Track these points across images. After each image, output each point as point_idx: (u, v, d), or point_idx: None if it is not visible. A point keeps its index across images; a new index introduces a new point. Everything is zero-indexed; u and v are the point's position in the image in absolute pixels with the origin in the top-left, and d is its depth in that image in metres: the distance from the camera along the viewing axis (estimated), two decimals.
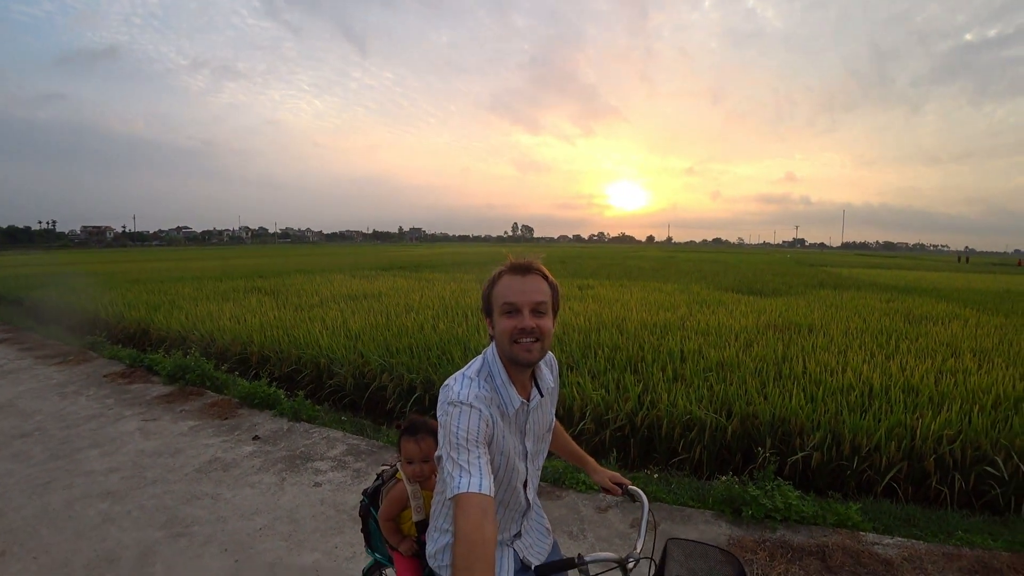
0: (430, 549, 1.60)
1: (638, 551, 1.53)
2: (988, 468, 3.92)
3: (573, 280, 16.06)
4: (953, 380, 5.31)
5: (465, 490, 1.25)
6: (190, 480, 4.05)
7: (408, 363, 6.07)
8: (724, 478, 3.85)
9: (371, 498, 2.01)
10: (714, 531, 3.41)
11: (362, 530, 2.06)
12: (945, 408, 4.52)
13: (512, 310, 1.39)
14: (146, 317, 9.98)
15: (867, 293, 14.24)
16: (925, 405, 4.66)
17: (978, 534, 3.39)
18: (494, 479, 1.41)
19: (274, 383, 6.28)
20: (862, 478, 4.10)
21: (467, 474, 1.27)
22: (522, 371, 1.46)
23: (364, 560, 2.19)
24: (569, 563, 1.44)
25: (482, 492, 1.25)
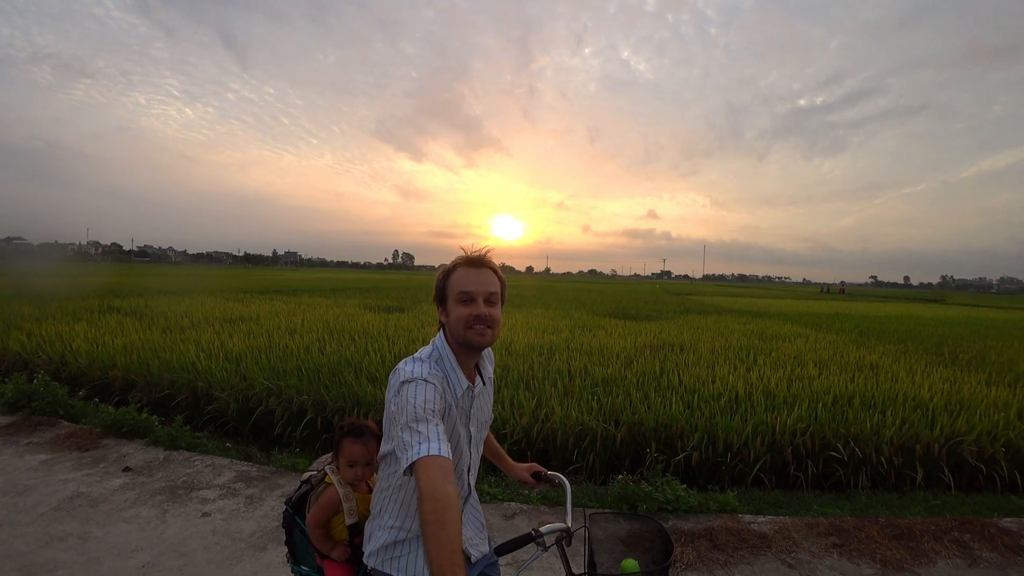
0: (371, 547, 1.56)
1: (569, 524, 1.70)
2: (832, 453, 4.64)
3: None
4: (800, 385, 6.23)
5: (427, 454, 1.27)
6: (48, 520, 3.52)
7: (297, 385, 5.78)
8: (619, 477, 4.14)
9: (295, 507, 1.87)
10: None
11: (286, 543, 1.91)
12: (796, 407, 5.26)
13: (467, 299, 1.50)
14: None
15: (727, 317, 16.41)
16: (781, 406, 5.38)
17: (829, 506, 4.08)
18: None
19: (145, 409, 5.63)
20: (735, 471, 4.62)
21: (427, 440, 1.29)
22: (471, 356, 1.57)
23: None
24: (527, 538, 1.53)
25: (442, 455, 1.27)
